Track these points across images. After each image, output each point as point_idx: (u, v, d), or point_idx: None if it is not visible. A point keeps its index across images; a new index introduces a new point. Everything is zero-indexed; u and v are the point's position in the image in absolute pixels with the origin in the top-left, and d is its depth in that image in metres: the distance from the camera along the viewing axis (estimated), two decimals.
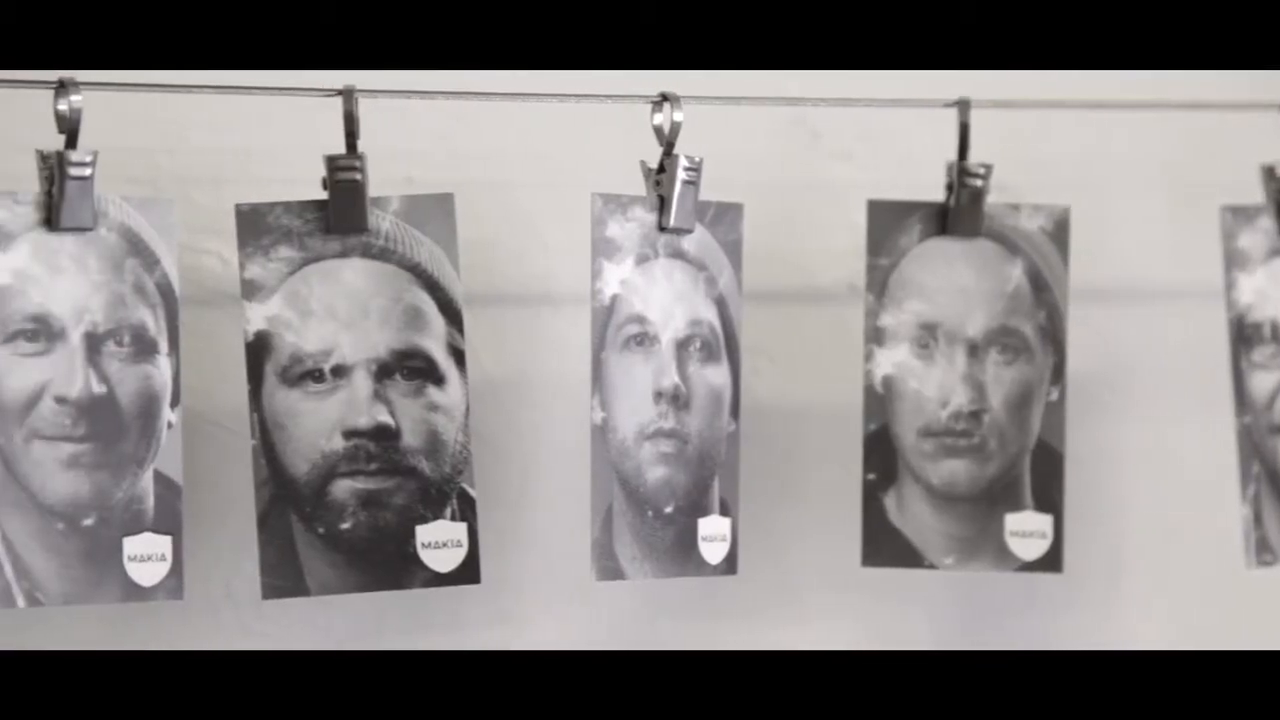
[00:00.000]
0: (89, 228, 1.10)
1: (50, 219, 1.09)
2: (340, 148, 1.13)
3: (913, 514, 1.26)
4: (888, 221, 1.26)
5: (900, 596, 1.36)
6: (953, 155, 1.25)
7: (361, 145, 1.13)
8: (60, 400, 1.09)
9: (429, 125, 1.25)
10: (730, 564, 1.21)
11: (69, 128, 1.09)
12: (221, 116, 1.21)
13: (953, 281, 1.27)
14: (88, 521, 1.10)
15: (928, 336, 1.27)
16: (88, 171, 1.09)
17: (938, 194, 1.25)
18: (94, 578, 1.09)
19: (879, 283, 1.26)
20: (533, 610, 1.30)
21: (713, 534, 1.20)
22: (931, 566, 1.26)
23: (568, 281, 1.27)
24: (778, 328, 1.33)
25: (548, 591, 1.30)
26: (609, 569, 1.17)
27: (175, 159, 1.23)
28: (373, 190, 1.14)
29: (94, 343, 1.10)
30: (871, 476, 1.26)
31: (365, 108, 1.13)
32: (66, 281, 1.10)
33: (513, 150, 1.28)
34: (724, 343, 1.21)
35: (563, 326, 1.28)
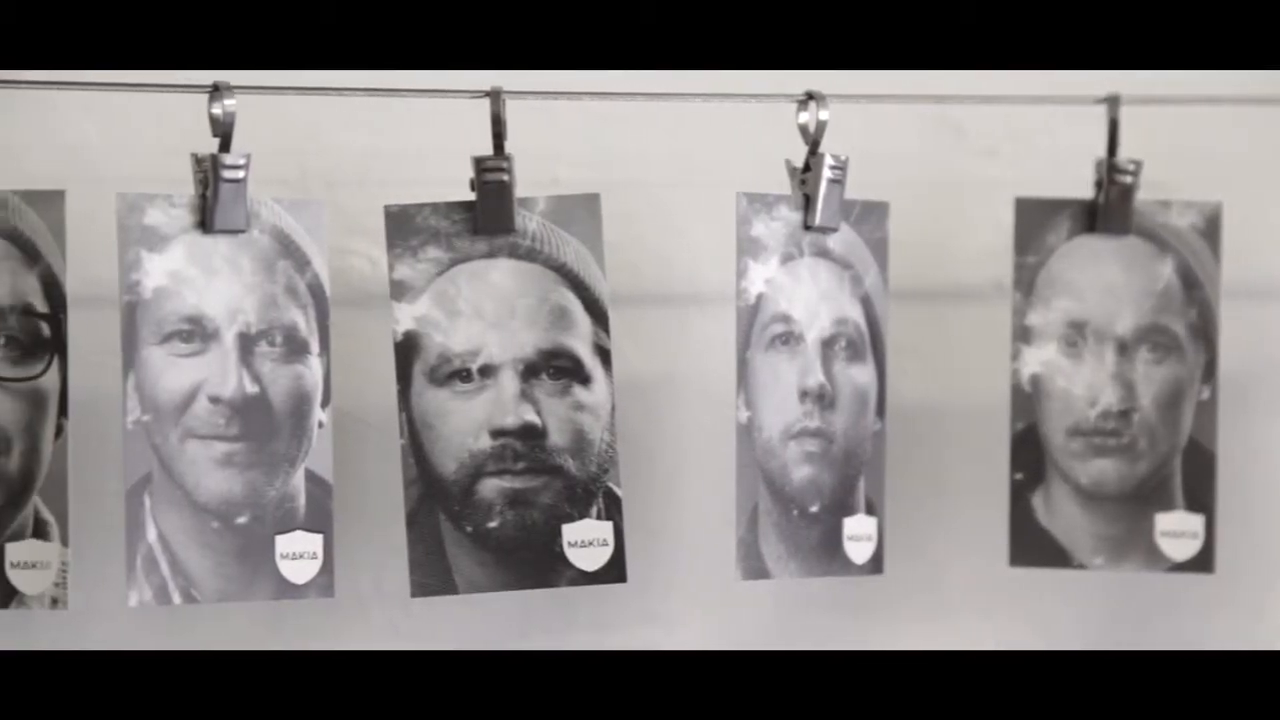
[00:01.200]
0: (242, 230, 1.12)
1: (205, 221, 1.12)
2: (488, 149, 1.15)
3: (1061, 514, 1.26)
4: (1036, 219, 1.26)
5: (1048, 597, 1.36)
6: (1098, 152, 1.25)
7: (508, 146, 1.15)
8: (214, 400, 1.11)
9: (575, 125, 1.26)
10: (876, 564, 1.21)
11: (223, 131, 1.11)
12: (371, 118, 1.23)
13: (1101, 279, 1.26)
14: (241, 520, 1.12)
15: (1076, 335, 1.26)
16: (241, 174, 1.11)
17: (1083, 191, 1.25)
18: (247, 575, 1.12)
19: (1026, 281, 1.26)
20: (678, 609, 1.31)
21: (858, 533, 1.21)
22: (1081, 567, 1.26)
23: (712, 281, 1.27)
24: (924, 326, 1.33)
25: (693, 591, 1.30)
26: (754, 568, 1.18)
27: (325, 161, 1.25)
28: (520, 191, 1.15)
29: (247, 343, 1.12)
30: (1019, 476, 1.26)
31: (512, 108, 1.15)
32: (220, 283, 1.12)
33: (658, 150, 1.29)
34: (869, 341, 1.21)
35: (708, 326, 1.29)
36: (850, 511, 1.20)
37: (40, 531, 1.08)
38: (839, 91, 1.19)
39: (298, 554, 1.12)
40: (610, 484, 1.16)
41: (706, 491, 1.29)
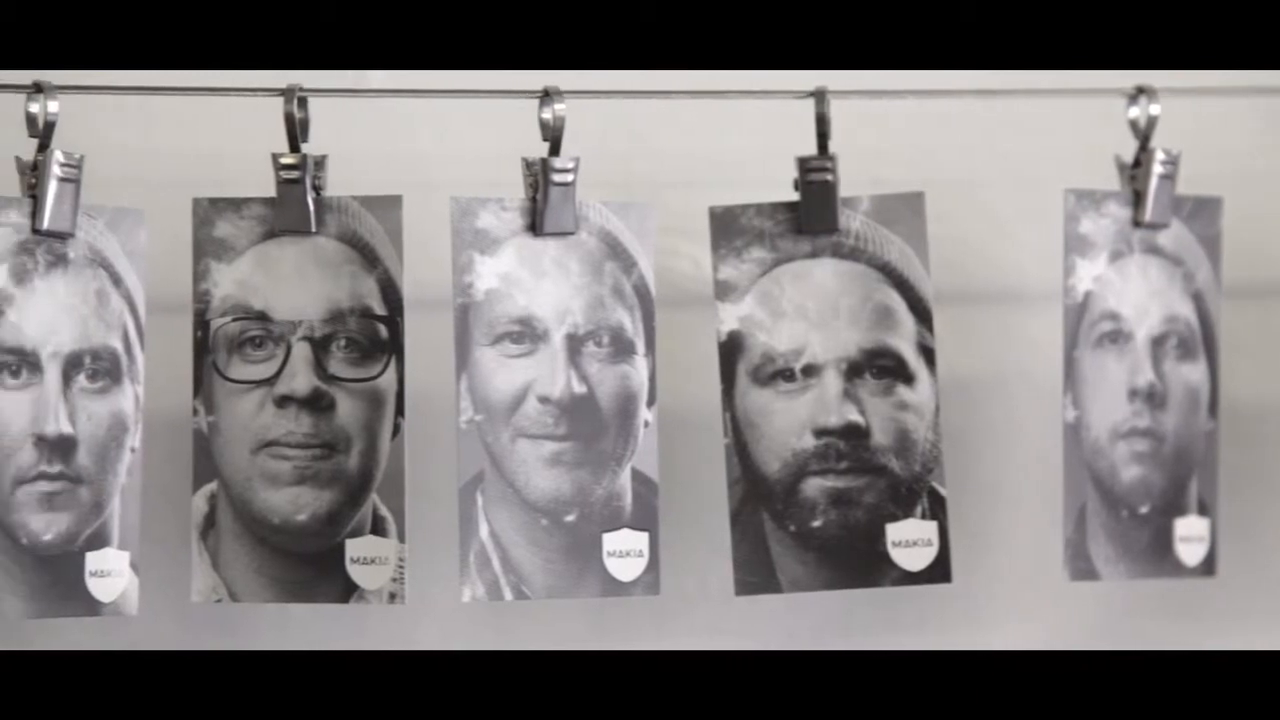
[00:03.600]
0: (570, 232, 1.15)
1: (534, 224, 1.15)
2: (810, 149, 1.17)
3: None
4: None
5: None
6: None
7: (832, 146, 1.16)
8: (544, 400, 1.14)
9: (897, 124, 1.27)
10: (1209, 566, 1.20)
11: (553, 135, 1.14)
12: (695, 120, 1.26)
13: None
14: (569, 518, 1.14)
15: None
16: (570, 178, 1.14)
17: None
18: (575, 572, 1.14)
19: None
20: (1003, 611, 1.30)
21: (1190, 534, 1.20)
22: None
23: (1038, 278, 1.27)
24: (1258, 324, 1.32)
25: (1018, 592, 1.30)
26: (1082, 569, 1.18)
27: (650, 163, 1.27)
28: (843, 190, 1.17)
29: (575, 344, 1.15)
30: None
31: (835, 108, 1.16)
32: (549, 285, 1.15)
33: (981, 147, 1.29)
34: (1201, 339, 1.20)
35: (1033, 324, 1.28)
36: (1182, 512, 1.20)
37: (378, 528, 1.12)
38: (1169, 86, 1.19)
39: (624, 552, 1.15)
40: (934, 483, 1.17)
41: (1032, 491, 1.29)
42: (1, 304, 1.09)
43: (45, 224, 1.10)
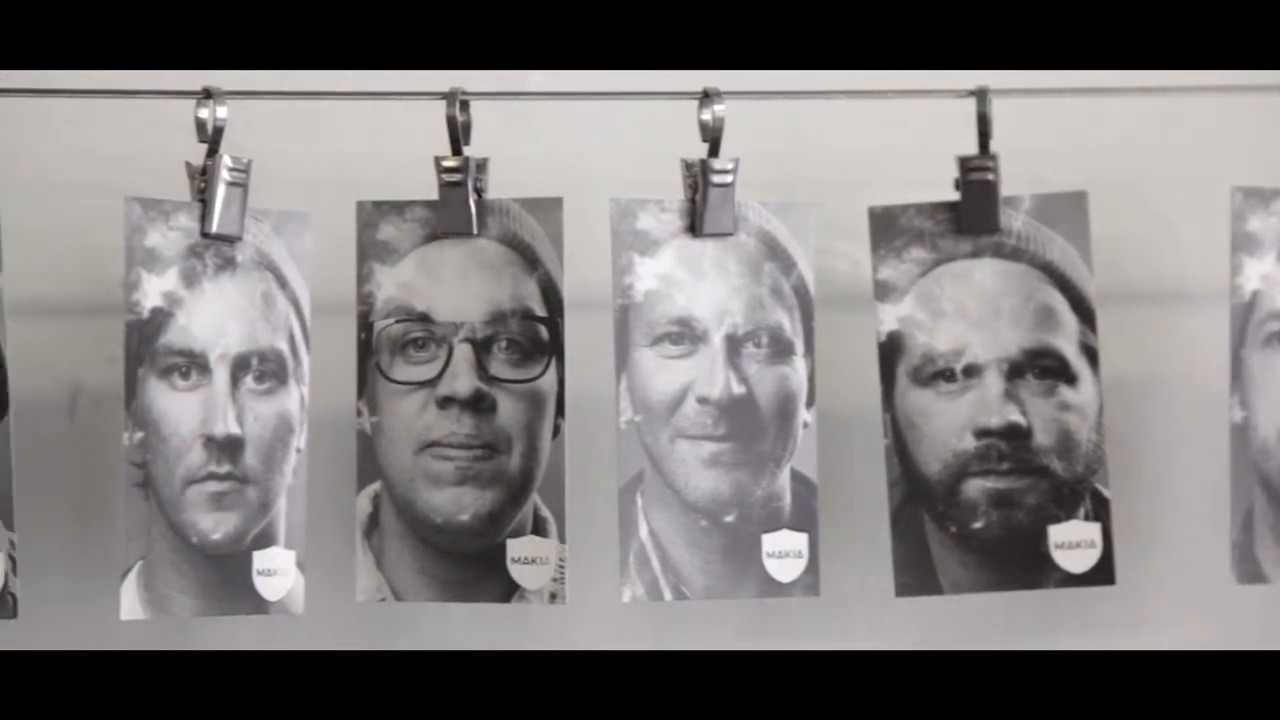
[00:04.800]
0: (730, 233, 1.16)
1: (694, 225, 1.16)
2: (970, 148, 1.17)
3: None
4: None
5: None
6: None
7: (992, 145, 1.17)
8: (703, 400, 1.16)
9: (1058, 123, 1.27)
10: None
11: (712, 136, 1.15)
12: (854, 119, 1.26)
13: None
14: (729, 518, 1.16)
15: None
16: (729, 179, 1.16)
17: None
18: (734, 573, 1.16)
19: None
20: (1168, 613, 1.30)
21: None
22: None
23: (1202, 277, 1.27)
24: None
25: (1183, 594, 1.30)
26: (1249, 572, 1.17)
27: (808, 163, 1.28)
28: (1004, 190, 1.17)
29: (734, 345, 1.16)
30: None
31: (997, 107, 1.16)
32: (708, 286, 1.16)
33: (1144, 145, 1.29)
34: None
35: (1198, 324, 1.28)
36: None
37: (539, 528, 1.14)
38: None
39: (784, 552, 1.16)
40: (1098, 485, 1.17)
41: (1197, 493, 1.28)
42: (171, 307, 1.12)
43: (214, 227, 1.13)
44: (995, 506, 1.16)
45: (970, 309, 1.17)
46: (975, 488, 1.16)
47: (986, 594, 1.16)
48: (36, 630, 1.19)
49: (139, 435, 1.11)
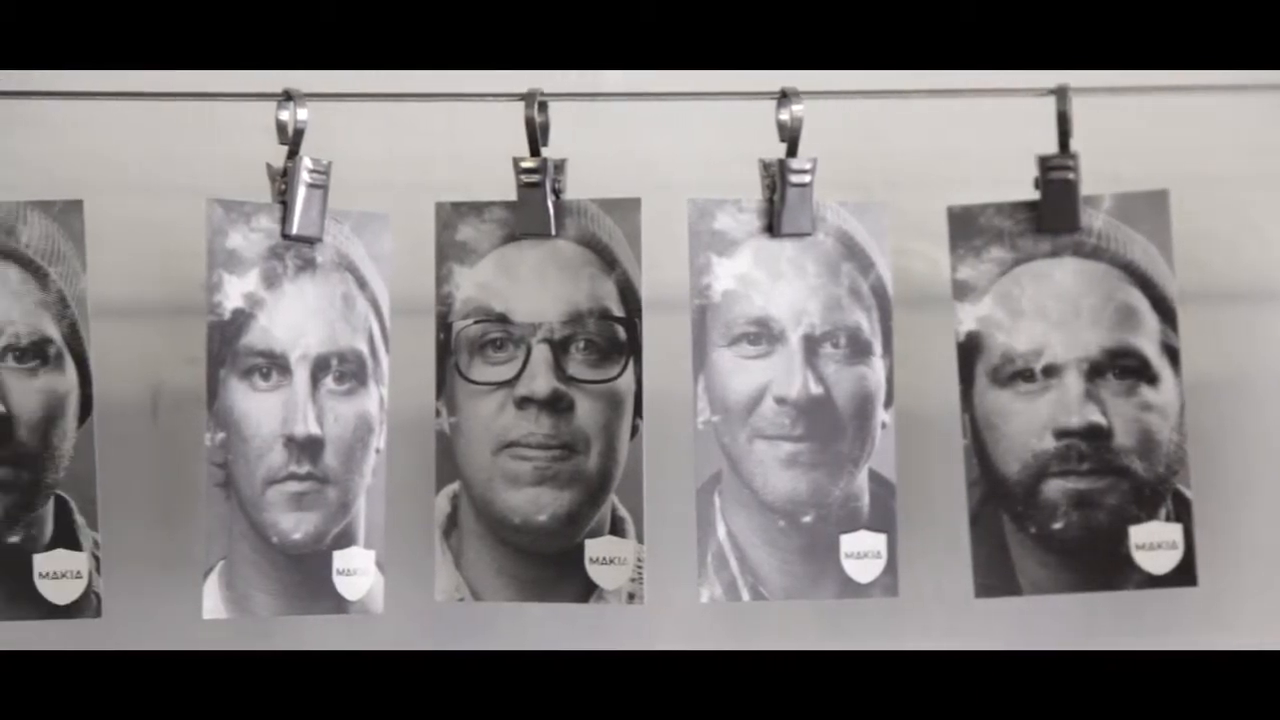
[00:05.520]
0: (808, 233, 1.17)
1: (772, 225, 1.17)
2: (1049, 147, 1.18)
3: None
4: None
5: None
6: None
7: (1073, 143, 1.17)
8: (781, 401, 1.17)
9: (1138, 122, 1.27)
10: None
11: (790, 136, 1.16)
12: (932, 119, 1.27)
13: None
14: (807, 519, 1.17)
15: None
16: (807, 179, 1.16)
17: None
18: (813, 574, 1.16)
19: None
20: (1249, 614, 1.30)
21: None
22: None
23: None
24: None
25: (1265, 595, 1.30)
26: None
27: (886, 162, 1.28)
28: (1084, 188, 1.18)
29: (812, 345, 1.17)
30: None
31: (1076, 105, 1.17)
32: (786, 286, 1.17)
33: (1224, 144, 1.29)
34: None
35: None
36: None
37: (617, 528, 1.15)
38: None
39: (862, 553, 1.17)
40: (1179, 485, 1.17)
41: (1278, 493, 1.28)
42: (253, 308, 1.14)
43: (294, 229, 1.14)
44: (1075, 507, 1.17)
45: (1050, 308, 1.17)
46: (1055, 488, 1.17)
47: (1066, 595, 1.17)
48: (120, 629, 1.21)
49: (220, 436, 1.12)
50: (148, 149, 1.27)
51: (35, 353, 1.12)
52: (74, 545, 1.12)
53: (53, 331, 1.13)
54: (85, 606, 1.12)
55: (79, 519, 1.12)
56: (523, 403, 1.15)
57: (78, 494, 1.12)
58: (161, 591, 1.25)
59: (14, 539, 1.12)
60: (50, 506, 1.12)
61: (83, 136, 1.26)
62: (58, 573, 1.12)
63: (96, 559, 1.12)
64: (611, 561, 1.15)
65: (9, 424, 1.12)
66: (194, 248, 1.14)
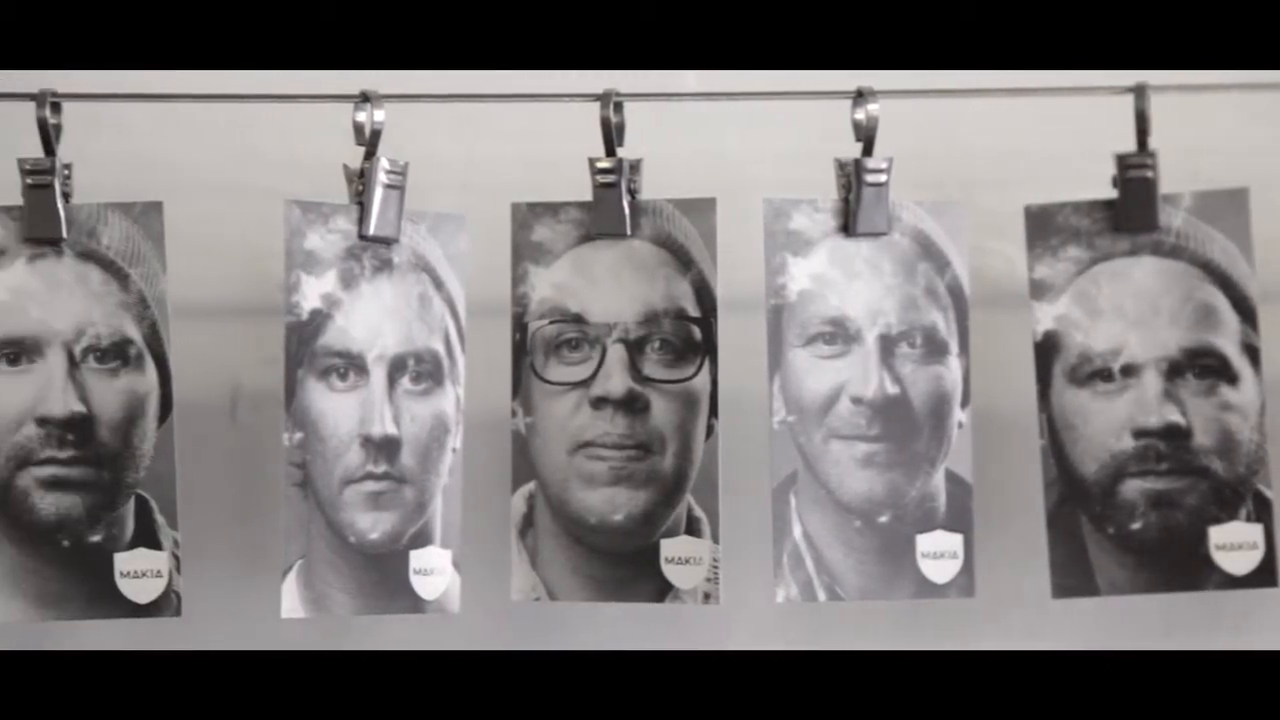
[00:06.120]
0: (883, 232, 1.18)
1: (847, 225, 1.18)
2: (1126, 146, 1.18)
3: None
4: None
5: None
6: None
7: (1151, 141, 1.17)
8: (857, 401, 1.17)
9: (1218, 120, 1.27)
10: None
11: (866, 135, 1.16)
12: (1008, 118, 1.27)
13: None
14: (883, 519, 1.17)
15: None
16: (883, 178, 1.17)
17: None
18: (889, 574, 1.17)
19: None
20: None
21: None
22: None
23: None
24: None
25: None
26: None
27: (962, 161, 1.29)
28: (1163, 187, 1.18)
29: (888, 345, 1.18)
30: None
31: (1154, 104, 1.17)
32: (861, 285, 1.17)
33: None
34: None
35: None
36: None
37: (693, 528, 1.16)
38: None
39: (939, 553, 1.17)
40: (1260, 486, 1.17)
41: None
42: (330, 308, 1.15)
43: (371, 230, 1.16)
44: (1154, 507, 1.17)
45: (1128, 308, 1.18)
46: (1133, 488, 1.17)
47: (1143, 595, 1.17)
48: (200, 629, 1.23)
49: (298, 436, 1.14)
50: (226, 151, 1.29)
51: (116, 353, 1.14)
52: (154, 544, 1.14)
53: (133, 332, 1.14)
54: (165, 605, 1.14)
55: (159, 518, 1.14)
56: (598, 403, 1.16)
57: (158, 493, 1.14)
58: (240, 591, 1.27)
59: (95, 538, 1.14)
60: (131, 506, 1.14)
61: (162, 139, 1.28)
62: (138, 572, 1.14)
63: (176, 558, 1.14)
64: (687, 561, 1.15)
65: (90, 424, 1.14)
66: (272, 249, 1.16)
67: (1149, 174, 1.17)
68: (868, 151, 1.17)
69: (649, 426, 1.16)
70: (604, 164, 1.17)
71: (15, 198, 1.14)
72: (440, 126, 1.26)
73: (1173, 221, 1.18)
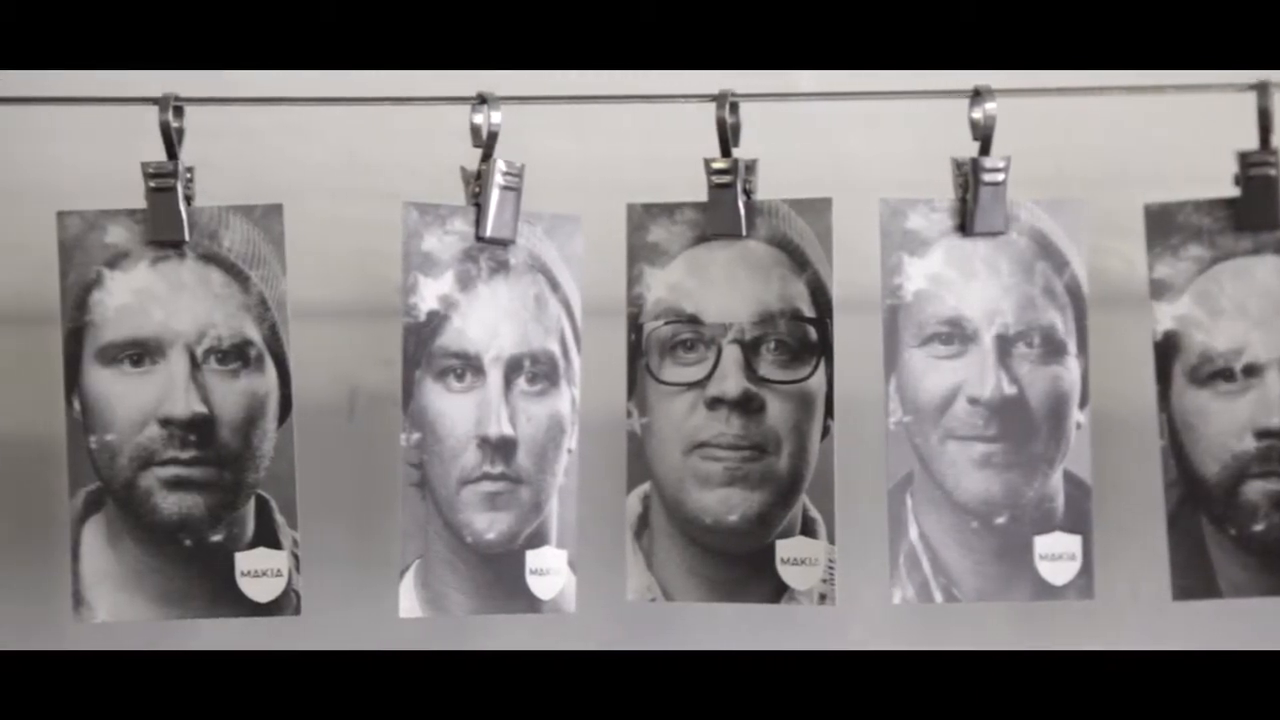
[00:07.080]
0: (1001, 232, 1.18)
1: (964, 224, 1.18)
2: (1249, 143, 1.17)
3: None
4: None
5: None
6: None
7: (1274, 139, 1.16)
8: (974, 401, 1.18)
9: None
10: None
11: (983, 134, 1.17)
12: (1125, 115, 1.28)
13: None
14: (1000, 520, 1.18)
15: None
16: (1001, 177, 1.17)
17: None
18: (1006, 575, 1.17)
19: None
20: None
21: None
22: None
23: None
24: None
25: None
26: None
27: (1080, 160, 1.29)
28: None
29: (1005, 345, 1.18)
30: None
31: (1277, 101, 1.17)
32: (978, 285, 1.18)
33: None
34: None
35: None
36: None
37: (808, 529, 1.17)
38: None
39: (1057, 555, 1.18)
40: None
41: None
42: (448, 309, 1.17)
43: (488, 231, 1.17)
44: (1276, 509, 1.16)
45: (1251, 307, 1.18)
46: (1256, 490, 1.17)
47: (1260, 597, 1.17)
48: (318, 628, 1.25)
49: (416, 436, 1.16)
50: (344, 153, 1.31)
51: (237, 355, 1.17)
52: (274, 544, 1.16)
53: (254, 334, 1.17)
54: (285, 604, 1.16)
55: (279, 518, 1.16)
56: (714, 403, 1.17)
57: (278, 493, 1.16)
58: (358, 590, 1.29)
59: (217, 538, 1.16)
60: (251, 506, 1.16)
61: (281, 142, 1.30)
62: (259, 571, 1.16)
63: (296, 557, 1.16)
64: (803, 562, 1.16)
65: (212, 425, 1.16)
66: (390, 250, 1.18)
67: (1271, 172, 1.17)
68: (985, 150, 1.17)
69: (764, 427, 1.17)
70: (719, 164, 1.18)
71: (139, 201, 1.17)
72: (556, 127, 1.27)
73: None
